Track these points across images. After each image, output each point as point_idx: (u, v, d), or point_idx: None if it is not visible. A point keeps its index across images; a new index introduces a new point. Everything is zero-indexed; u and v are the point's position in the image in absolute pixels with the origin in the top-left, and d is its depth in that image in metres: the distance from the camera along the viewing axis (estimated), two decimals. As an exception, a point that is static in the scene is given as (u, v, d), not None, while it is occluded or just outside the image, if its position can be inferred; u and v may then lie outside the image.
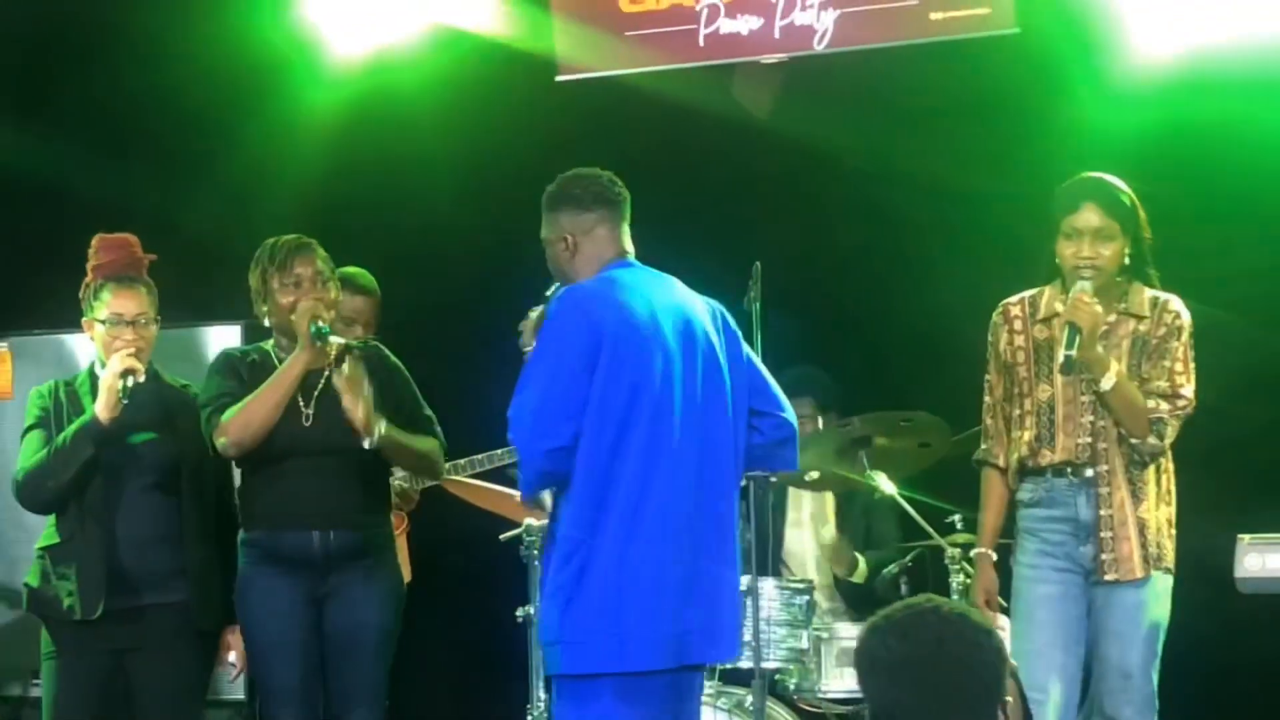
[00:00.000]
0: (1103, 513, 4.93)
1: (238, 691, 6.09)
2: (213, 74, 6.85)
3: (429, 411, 5.34)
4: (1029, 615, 4.98)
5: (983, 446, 5.17)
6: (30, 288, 5.43)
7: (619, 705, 4.22)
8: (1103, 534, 4.92)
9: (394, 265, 6.23)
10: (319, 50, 6.93)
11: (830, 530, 6.26)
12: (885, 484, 5.61)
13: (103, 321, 5.21)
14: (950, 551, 5.42)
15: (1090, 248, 4.92)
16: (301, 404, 5.16)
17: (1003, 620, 5.06)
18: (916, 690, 2.60)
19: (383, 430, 5.03)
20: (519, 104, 6.73)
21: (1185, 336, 4.99)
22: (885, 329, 6.44)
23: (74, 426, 5.16)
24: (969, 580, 5.32)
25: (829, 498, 6.30)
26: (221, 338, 6.30)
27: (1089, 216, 4.92)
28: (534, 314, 4.50)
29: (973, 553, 5.17)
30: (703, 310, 4.45)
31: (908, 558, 5.62)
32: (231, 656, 5.30)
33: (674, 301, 4.39)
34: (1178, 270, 5.11)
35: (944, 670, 2.60)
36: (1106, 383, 4.85)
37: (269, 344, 5.30)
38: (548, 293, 4.47)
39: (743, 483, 4.64)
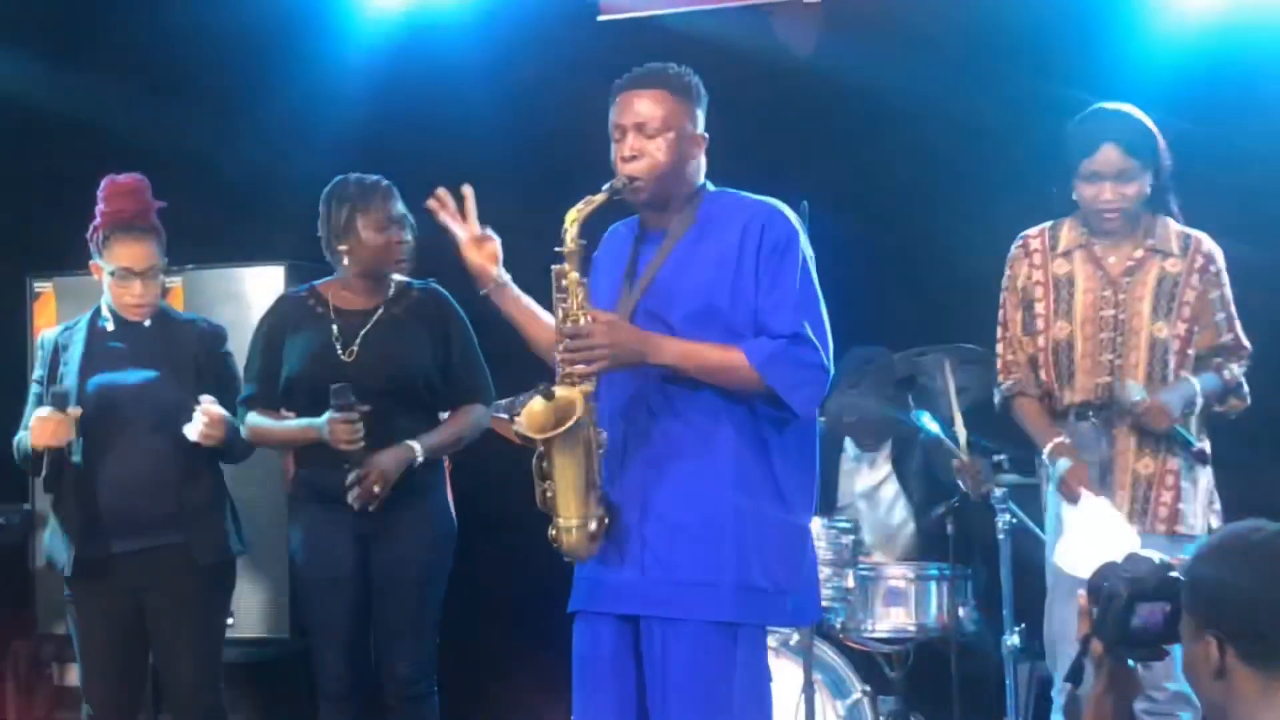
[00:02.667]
0: (1111, 453, 4.86)
1: (283, 630, 6.15)
2: (255, 15, 6.83)
3: (480, 361, 5.36)
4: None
5: (1007, 382, 5.03)
6: (73, 228, 5.41)
7: None
8: (1108, 476, 4.86)
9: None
10: (360, -8, 6.92)
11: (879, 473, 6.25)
12: (929, 423, 5.59)
13: (111, 272, 5.21)
14: (997, 492, 5.40)
15: (1112, 190, 4.79)
16: (340, 351, 5.17)
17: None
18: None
19: (419, 457, 5.13)
20: (560, 45, 6.70)
21: (1225, 280, 4.89)
22: (933, 269, 6.40)
23: (24, 447, 5.15)
24: (1014, 520, 5.30)
25: (885, 464, 6.25)
26: (262, 278, 6.31)
27: (1109, 157, 4.77)
28: (593, 203, 3.92)
29: (1045, 451, 4.91)
30: None
31: (955, 498, 5.60)
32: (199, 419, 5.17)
33: None
34: (1216, 213, 5.04)
35: None
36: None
37: (329, 286, 5.29)
38: (615, 185, 3.96)
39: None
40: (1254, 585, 2.61)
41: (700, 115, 4.08)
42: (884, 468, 6.17)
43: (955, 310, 5.93)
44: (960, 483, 5.46)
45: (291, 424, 5.22)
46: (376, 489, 5.06)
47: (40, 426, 5.07)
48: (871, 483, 6.19)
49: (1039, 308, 4.95)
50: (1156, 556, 2.85)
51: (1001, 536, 5.33)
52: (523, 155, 6.67)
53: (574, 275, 3.90)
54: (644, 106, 3.99)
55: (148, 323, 5.25)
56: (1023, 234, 5.04)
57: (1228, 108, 5.90)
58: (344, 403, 4.98)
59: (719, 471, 3.95)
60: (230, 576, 5.37)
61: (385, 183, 5.24)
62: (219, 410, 5.15)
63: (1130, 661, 2.88)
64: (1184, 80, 5.82)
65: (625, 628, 4.06)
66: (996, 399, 5.10)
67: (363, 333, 5.20)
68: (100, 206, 5.26)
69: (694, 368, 3.92)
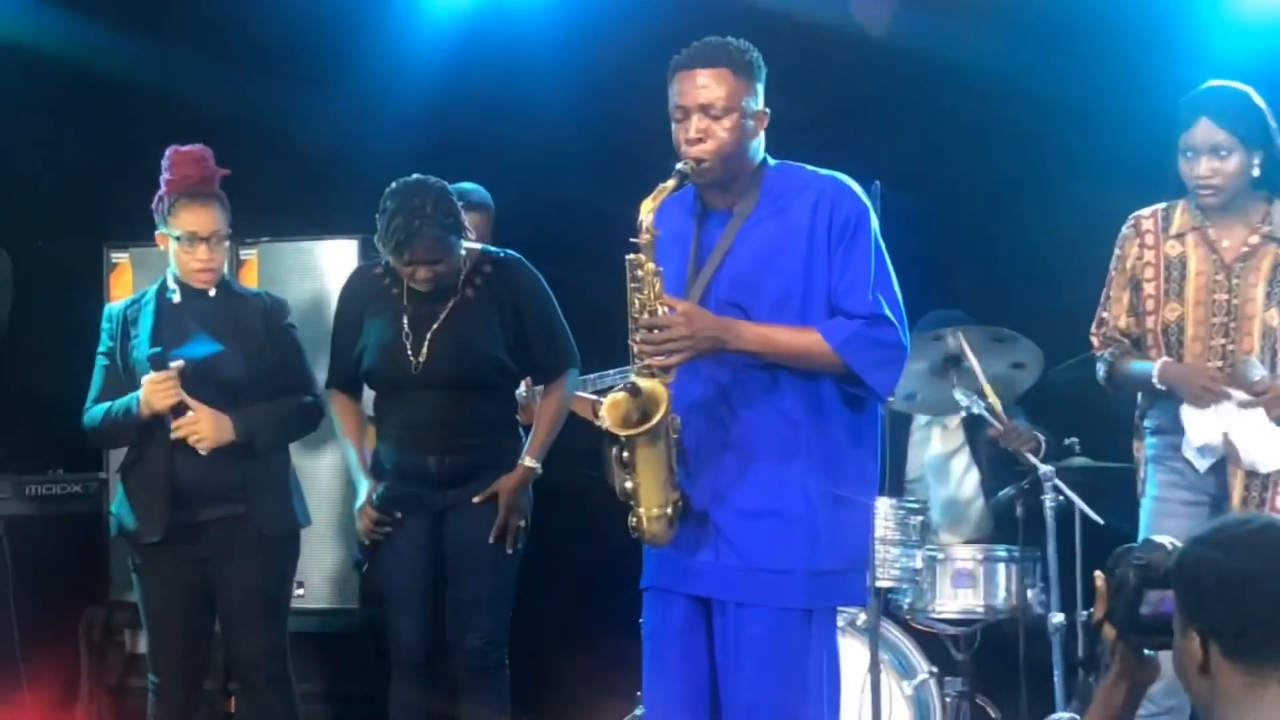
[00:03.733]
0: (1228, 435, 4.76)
1: (352, 600, 6.18)
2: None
3: (560, 329, 5.40)
4: None
5: (1107, 351, 4.97)
6: (149, 199, 5.45)
7: None
8: (1225, 455, 4.80)
9: (509, 178, 6.22)
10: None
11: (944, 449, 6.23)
12: (972, 401, 5.54)
13: (177, 238, 5.25)
14: (1043, 469, 5.38)
15: (1207, 166, 4.74)
16: (410, 349, 5.23)
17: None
18: (1274, 605, 2.48)
19: (538, 469, 5.30)
20: (633, 23, 6.67)
21: None
22: (1005, 250, 6.37)
23: (123, 405, 5.20)
24: (1062, 498, 5.35)
25: (958, 433, 6.23)
26: (336, 252, 6.33)
27: (1204, 131, 4.73)
28: (664, 190, 3.89)
29: (1156, 371, 4.82)
30: None
31: (1025, 480, 5.57)
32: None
33: None
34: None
35: None
36: None
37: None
38: (684, 168, 3.91)
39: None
40: (1236, 580, 2.51)
41: (760, 90, 4.01)
42: (957, 437, 6.15)
43: (1025, 295, 5.91)
44: (1008, 449, 5.47)
45: (355, 458, 5.34)
46: (522, 524, 5.27)
47: (155, 390, 5.11)
48: (942, 452, 6.18)
49: (1149, 288, 4.90)
50: (1169, 543, 2.76)
51: (1049, 515, 5.37)
52: (594, 135, 6.67)
53: (650, 265, 3.88)
54: (707, 86, 3.93)
55: (212, 292, 5.27)
56: (1135, 214, 4.98)
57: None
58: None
59: (791, 457, 3.95)
60: (294, 547, 5.41)
61: (429, 212, 5.09)
62: (210, 423, 5.15)
63: (1146, 650, 2.80)
64: (1268, 63, 5.74)
65: (697, 607, 4.07)
66: (1101, 373, 5.02)
67: (432, 329, 5.24)
68: (165, 175, 5.29)
69: (773, 352, 3.91)
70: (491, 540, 5.22)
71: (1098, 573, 2.83)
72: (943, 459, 6.19)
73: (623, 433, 3.86)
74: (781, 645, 3.95)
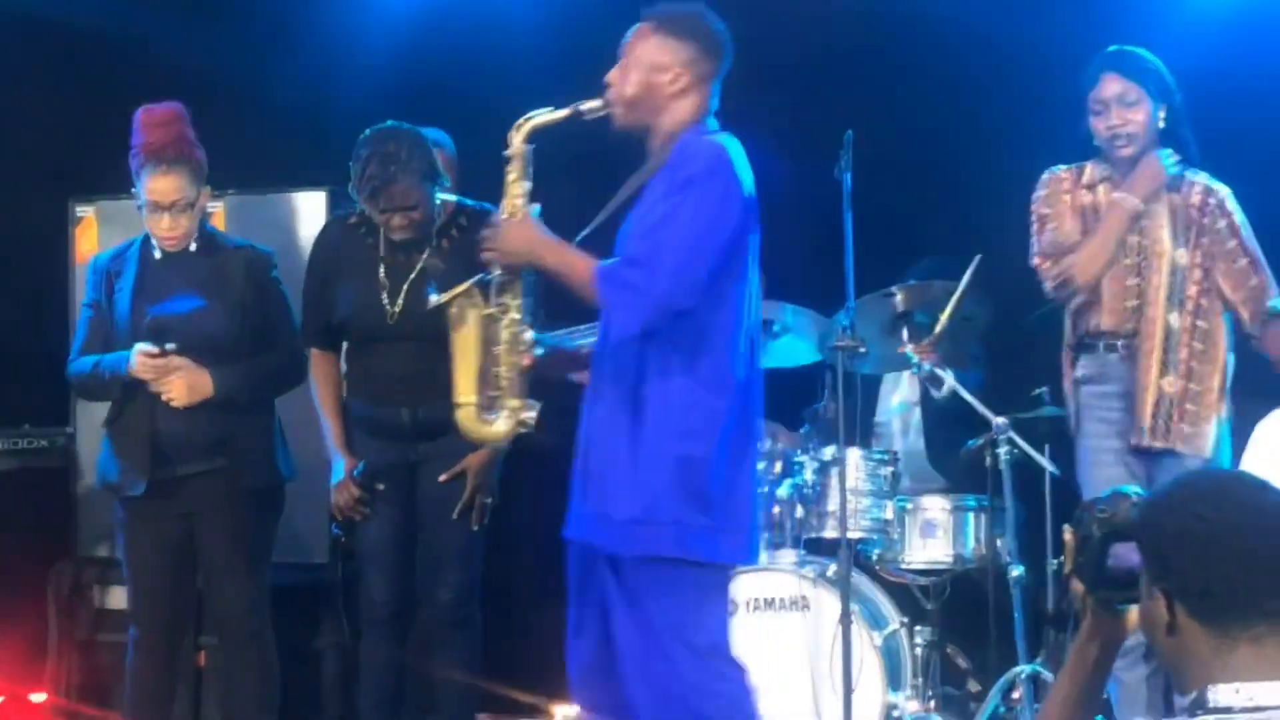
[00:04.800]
0: (1134, 373, 4.97)
1: (323, 555, 6.17)
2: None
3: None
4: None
5: (1057, 269, 5.07)
6: (115, 152, 5.41)
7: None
8: (1131, 395, 4.98)
9: (479, 127, 6.17)
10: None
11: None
12: (918, 359, 5.55)
13: (141, 205, 5.24)
14: (998, 421, 5.40)
15: (1118, 115, 4.97)
16: (386, 300, 5.21)
17: None
18: (1239, 563, 2.37)
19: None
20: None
21: (1239, 224, 5.03)
22: (977, 199, 6.37)
23: (111, 365, 5.20)
24: (1015, 451, 5.42)
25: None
26: (306, 203, 6.29)
27: (1110, 85, 4.98)
28: (548, 115, 4.17)
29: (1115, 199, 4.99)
30: None
31: (993, 432, 5.58)
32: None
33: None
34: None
35: (1270, 539, 2.38)
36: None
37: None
38: (581, 106, 4.14)
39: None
40: (1199, 538, 2.39)
41: (692, 54, 4.08)
42: (917, 389, 6.17)
43: (1000, 246, 5.90)
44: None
45: (334, 431, 5.32)
46: (489, 500, 5.27)
47: (144, 364, 5.11)
48: (902, 401, 6.21)
49: (1069, 227, 5.09)
50: (1134, 493, 2.71)
51: (1003, 468, 5.41)
52: (566, 84, 6.60)
53: (510, 175, 4.16)
54: (629, 36, 4.11)
55: (193, 247, 5.26)
56: (1050, 169, 5.18)
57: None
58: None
59: (626, 409, 4.01)
60: (278, 502, 5.42)
61: (403, 159, 5.09)
62: (184, 382, 5.14)
63: (1118, 605, 2.68)
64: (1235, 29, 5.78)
65: (586, 551, 4.16)
66: (1050, 289, 5.11)
67: (409, 279, 5.22)
68: (134, 138, 5.26)
69: (565, 276, 4.08)
70: (455, 516, 5.22)
71: (1066, 526, 2.81)
72: (906, 407, 6.22)
73: (430, 304, 4.23)
74: (606, 592, 4.05)
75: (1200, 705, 2.36)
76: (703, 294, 3.92)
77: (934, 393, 5.65)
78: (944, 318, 5.45)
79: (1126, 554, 2.62)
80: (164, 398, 5.13)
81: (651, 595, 3.98)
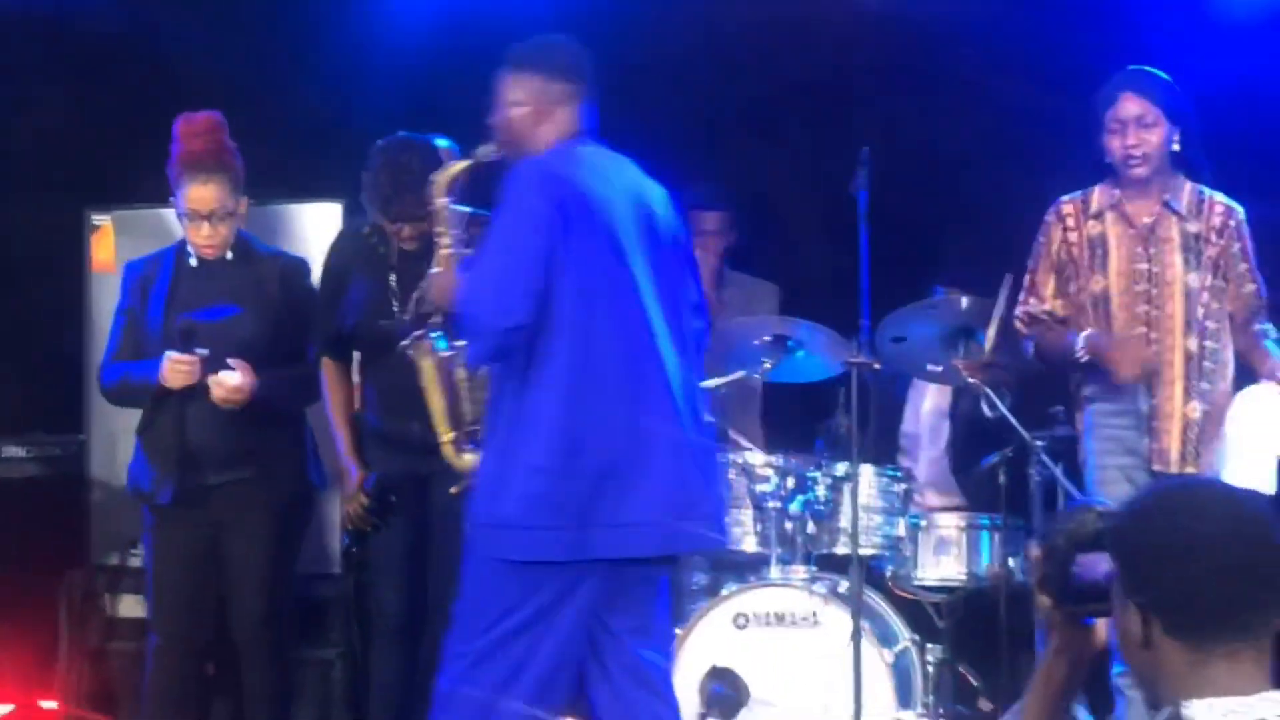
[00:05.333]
0: (1154, 401, 4.97)
1: (333, 565, 6.17)
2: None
3: None
4: None
5: (1033, 329, 5.14)
6: (132, 161, 5.44)
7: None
8: (1153, 423, 4.98)
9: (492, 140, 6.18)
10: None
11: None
12: (967, 376, 5.54)
13: (180, 214, 5.24)
14: (1030, 440, 5.38)
15: (1135, 135, 4.97)
16: (397, 307, 5.22)
17: None
18: (1217, 577, 2.30)
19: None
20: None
21: (1250, 249, 5.05)
22: (993, 217, 6.36)
23: (142, 375, 5.21)
24: (1047, 471, 5.36)
25: (949, 392, 6.26)
26: (320, 215, 6.30)
27: (1128, 106, 4.97)
28: (455, 167, 4.52)
29: (1080, 341, 5.01)
30: (657, 194, 4.35)
31: (1009, 449, 5.57)
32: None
33: (632, 182, 4.30)
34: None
35: (1250, 552, 2.31)
36: None
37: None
38: (477, 152, 4.44)
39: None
40: (1176, 551, 2.32)
41: (539, 84, 4.30)
42: (949, 396, 6.18)
43: (1017, 264, 5.91)
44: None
45: (346, 442, 5.33)
46: None
47: (175, 369, 5.11)
48: (935, 408, 6.20)
49: (1076, 267, 5.10)
50: (1099, 504, 2.65)
51: (1033, 486, 5.41)
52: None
53: (436, 230, 4.53)
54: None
55: (230, 255, 5.27)
56: (1057, 201, 5.18)
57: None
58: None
59: (490, 425, 4.25)
60: (307, 512, 5.43)
61: (415, 170, 5.06)
62: (233, 380, 5.13)
63: (1086, 619, 2.60)
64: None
65: None
66: (1029, 351, 5.21)
67: (420, 286, 5.22)
68: (173, 147, 5.27)
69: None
70: None
71: (1030, 542, 2.75)
72: (937, 417, 6.21)
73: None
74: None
75: None
76: (535, 306, 4.03)
77: (987, 413, 5.58)
78: (991, 335, 5.40)
79: (1093, 565, 2.55)
80: (212, 391, 5.11)
81: (496, 594, 4.15)
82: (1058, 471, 5.37)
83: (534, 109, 4.28)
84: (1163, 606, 2.33)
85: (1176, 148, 5.00)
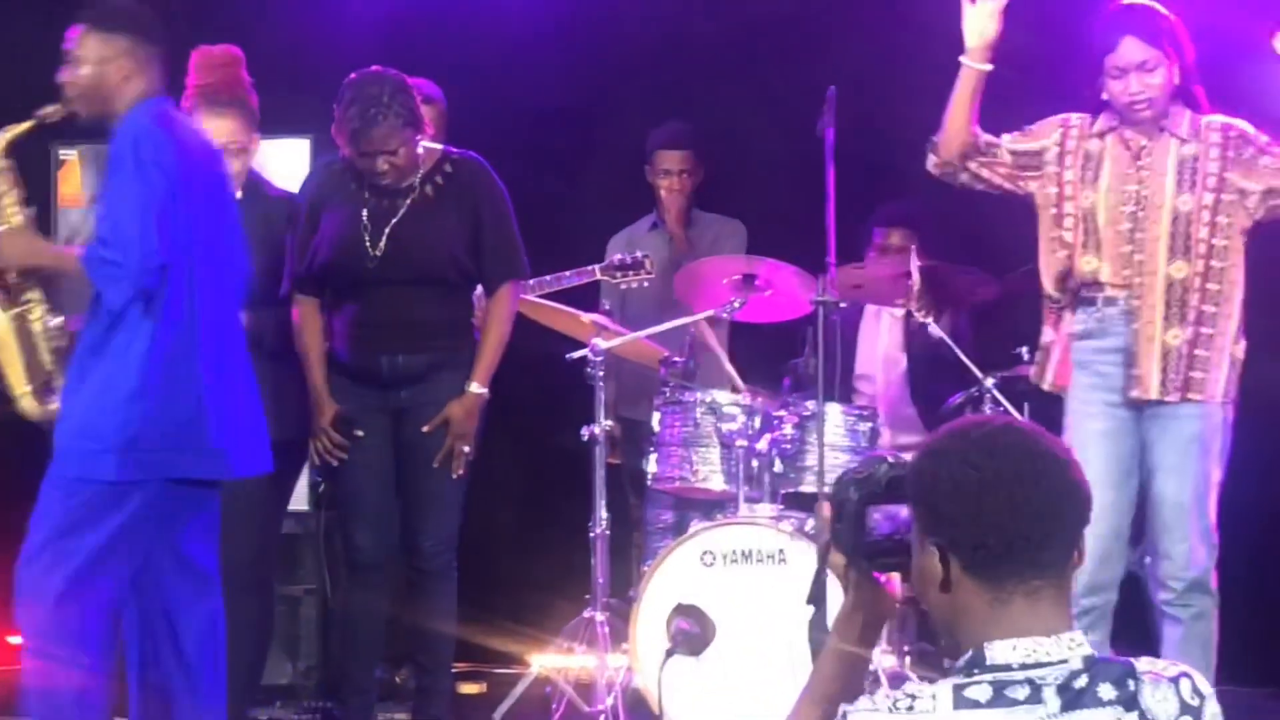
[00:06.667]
0: (1133, 327, 4.90)
1: (301, 502, 6.18)
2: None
3: (513, 237, 5.36)
4: (1080, 452, 4.92)
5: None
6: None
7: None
8: (1132, 349, 4.91)
9: (465, 78, 6.19)
10: None
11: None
12: (927, 320, 5.57)
13: None
14: (988, 382, 5.42)
15: (1138, 81, 4.86)
16: (369, 242, 5.20)
17: None
18: (1013, 513, 2.30)
19: (485, 394, 5.31)
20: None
21: (1251, 131, 4.93)
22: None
23: None
24: (998, 410, 5.43)
25: (898, 325, 6.31)
26: (288, 151, 6.28)
27: (1130, 51, 4.86)
28: (17, 129, 4.67)
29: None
30: (219, 152, 4.76)
31: (973, 389, 5.61)
32: None
33: (207, 141, 4.72)
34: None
35: (1044, 489, 2.32)
36: None
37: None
38: (43, 112, 4.61)
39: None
40: (972, 488, 2.31)
41: (129, 44, 4.48)
42: (899, 329, 6.22)
43: (977, 205, 5.92)
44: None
45: (316, 378, 5.33)
46: (467, 450, 5.28)
47: None
48: (891, 344, 6.24)
49: (1068, 174, 5.00)
50: (891, 455, 2.61)
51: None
52: (553, 35, 6.62)
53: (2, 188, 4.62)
54: (72, 39, 4.54)
55: (239, 194, 5.25)
56: (1066, 114, 5.08)
57: None
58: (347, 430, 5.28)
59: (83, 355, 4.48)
60: (296, 455, 5.40)
61: (385, 102, 5.11)
62: None
63: (880, 574, 2.57)
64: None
65: None
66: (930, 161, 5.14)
67: (392, 223, 5.23)
68: (189, 78, 5.27)
69: (62, 269, 4.57)
70: (436, 464, 5.23)
71: (819, 501, 2.70)
72: (890, 354, 6.24)
73: None
74: None
75: (977, 664, 2.30)
76: (167, 256, 4.32)
77: (935, 334, 5.63)
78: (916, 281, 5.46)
79: (885, 519, 2.54)
80: None
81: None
82: (1015, 412, 5.41)
83: (120, 67, 4.48)
84: (961, 544, 2.33)
85: (1177, 81, 4.90)
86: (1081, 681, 2.29)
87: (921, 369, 6.23)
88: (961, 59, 4.95)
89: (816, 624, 2.69)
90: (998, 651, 2.30)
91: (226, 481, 5.14)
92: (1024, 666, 2.29)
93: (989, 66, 4.93)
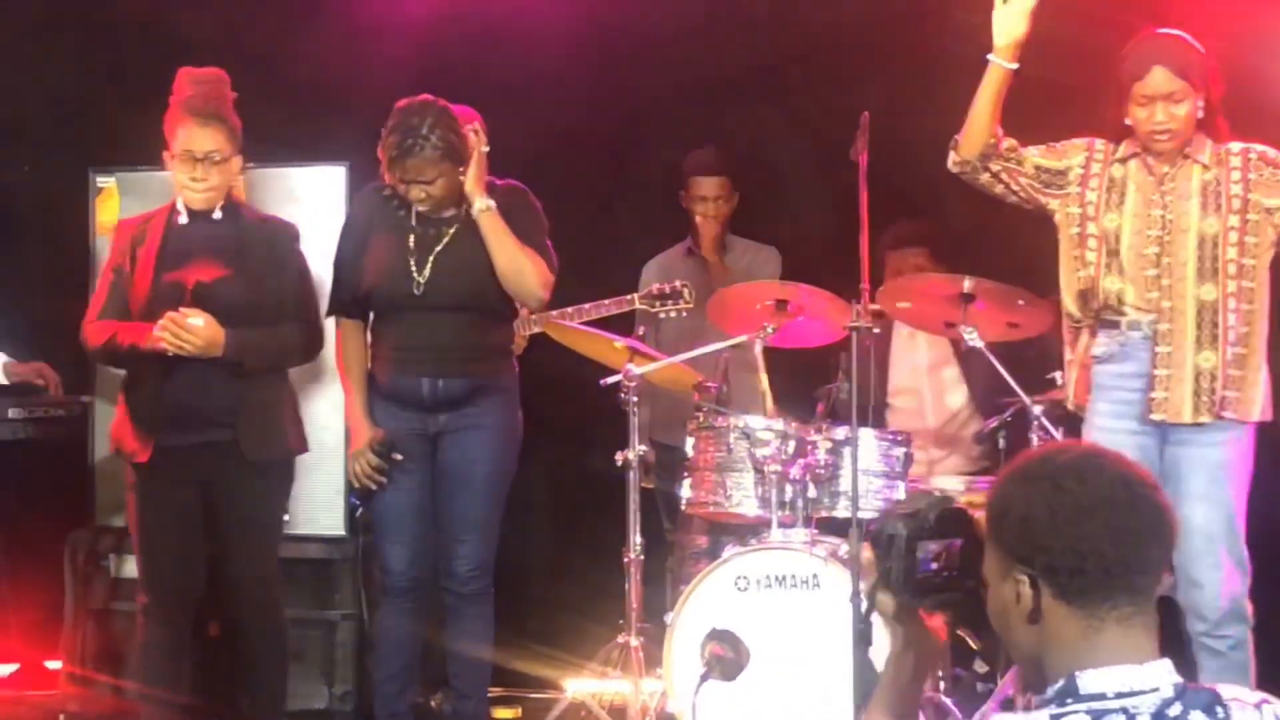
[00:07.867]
0: (1159, 349, 4.90)
1: (339, 527, 6.20)
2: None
3: (551, 262, 5.38)
4: None
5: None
6: (136, 123, 5.45)
7: None
8: (1156, 372, 4.91)
9: (502, 106, 6.20)
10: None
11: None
12: (975, 339, 5.57)
13: (175, 156, 5.26)
14: (1036, 409, 5.40)
15: (1164, 112, 4.90)
16: (414, 268, 5.23)
17: None
18: (1111, 538, 2.30)
19: (483, 206, 5.21)
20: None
21: (1271, 153, 4.95)
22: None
23: (132, 340, 5.21)
24: (1046, 437, 5.36)
25: (946, 344, 6.31)
26: (324, 178, 6.30)
27: (1159, 81, 4.89)
28: None
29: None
30: None
31: (1008, 414, 5.60)
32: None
33: None
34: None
35: (1140, 513, 2.32)
36: None
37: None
38: None
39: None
40: (1069, 513, 2.30)
41: None
42: (943, 344, 6.20)
43: (1010, 231, 5.93)
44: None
45: (356, 401, 5.33)
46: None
47: (169, 330, 5.13)
48: (932, 359, 6.23)
49: (1090, 195, 5.03)
50: (936, 490, 2.60)
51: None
52: (589, 64, 6.64)
53: None
54: None
55: (218, 215, 5.28)
56: (1093, 137, 5.12)
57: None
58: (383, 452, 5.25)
59: None
60: (287, 474, 5.43)
61: (424, 132, 5.14)
62: (195, 320, 5.16)
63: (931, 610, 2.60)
64: None
65: None
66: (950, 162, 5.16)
67: (436, 251, 5.26)
68: (174, 95, 5.30)
69: None
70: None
71: (863, 544, 2.69)
72: (933, 365, 6.24)
73: None
74: None
75: (1070, 693, 2.30)
76: None
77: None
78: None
79: (936, 553, 2.54)
80: (172, 343, 5.11)
81: None
82: (1058, 436, 5.41)
83: None
84: (1057, 571, 2.32)
85: (1201, 114, 4.93)
86: (1175, 710, 2.30)
87: (979, 387, 6.22)
88: (989, 56, 4.96)
89: (863, 663, 2.70)
90: (1090, 680, 2.30)
91: (221, 503, 5.21)
92: (1119, 695, 2.29)
93: (1015, 65, 4.93)
